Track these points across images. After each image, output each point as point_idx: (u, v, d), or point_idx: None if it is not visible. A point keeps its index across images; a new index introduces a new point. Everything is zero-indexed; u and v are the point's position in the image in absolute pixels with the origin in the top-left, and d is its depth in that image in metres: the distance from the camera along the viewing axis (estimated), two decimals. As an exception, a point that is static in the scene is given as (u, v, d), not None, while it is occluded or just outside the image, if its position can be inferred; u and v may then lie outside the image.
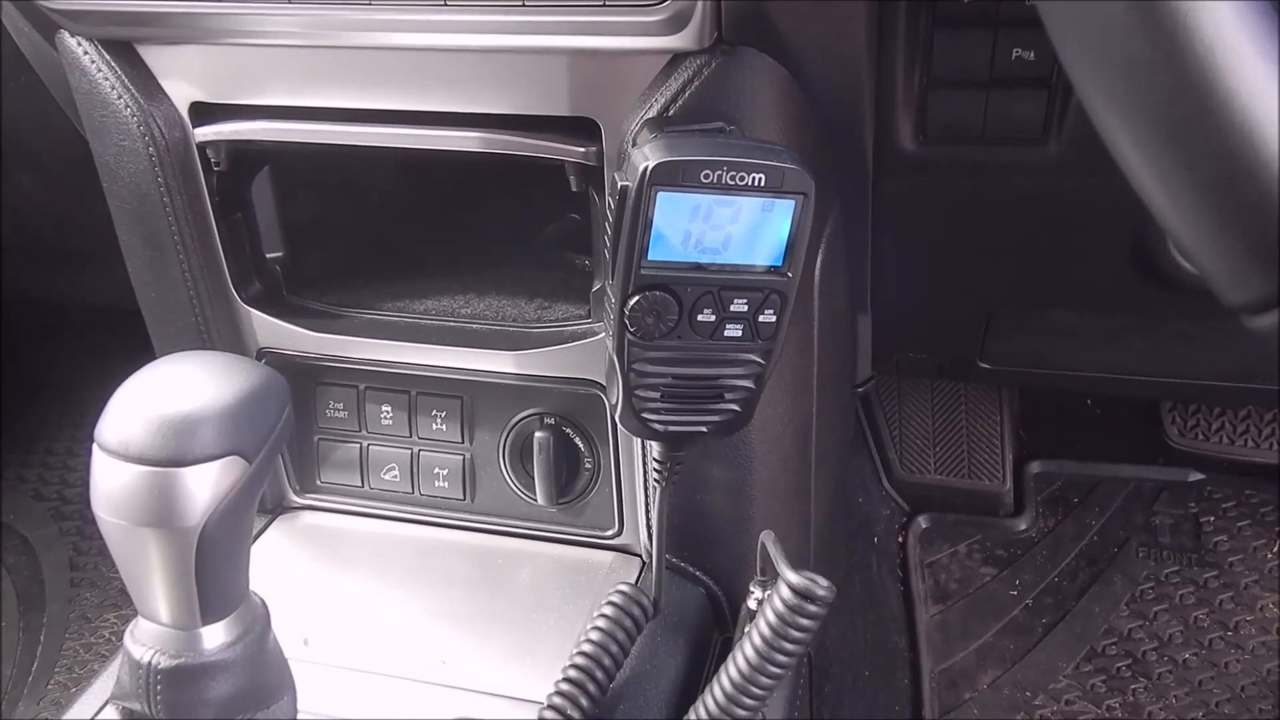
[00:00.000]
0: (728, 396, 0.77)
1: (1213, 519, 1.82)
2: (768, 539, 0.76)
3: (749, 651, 0.73)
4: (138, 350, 1.00)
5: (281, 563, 1.04)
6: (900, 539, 1.87)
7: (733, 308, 0.72)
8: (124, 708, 0.70)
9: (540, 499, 1.01)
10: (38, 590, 1.92)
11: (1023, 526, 1.87)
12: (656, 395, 0.76)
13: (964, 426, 1.92)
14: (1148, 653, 1.68)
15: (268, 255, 1.00)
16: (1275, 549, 1.77)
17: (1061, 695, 1.65)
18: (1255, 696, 1.61)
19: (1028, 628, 1.74)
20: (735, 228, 0.69)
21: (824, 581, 0.71)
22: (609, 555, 1.02)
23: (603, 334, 0.84)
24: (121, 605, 1.88)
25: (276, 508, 1.10)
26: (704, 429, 0.79)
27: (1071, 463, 1.93)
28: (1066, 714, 1.63)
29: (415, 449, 1.04)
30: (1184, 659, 1.67)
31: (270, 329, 0.99)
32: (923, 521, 1.89)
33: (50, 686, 1.78)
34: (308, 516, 1.10)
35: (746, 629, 0.75)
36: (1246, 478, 1.85)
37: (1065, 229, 1.02)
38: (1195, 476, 1.87)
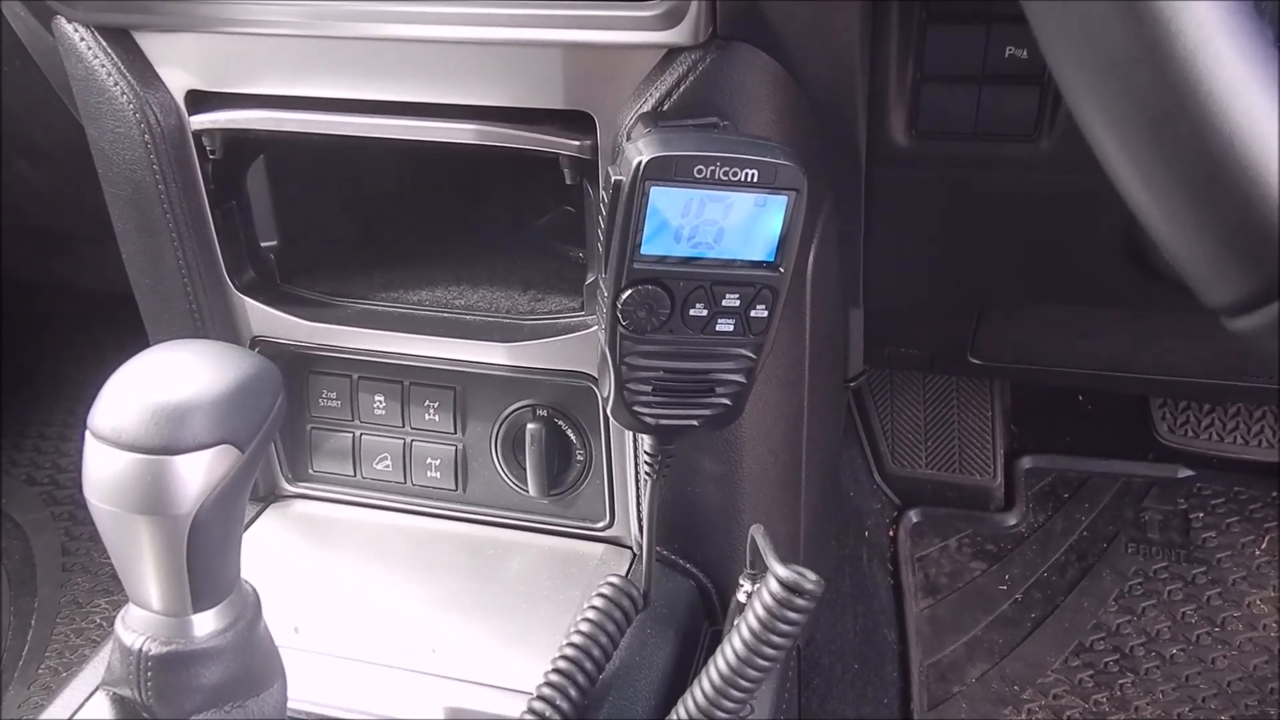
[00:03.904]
0: (719, 390, 0.77)
1: (1202, 515, 1.83)
2: (757, 532, 0.77)
3: (737, 644, 0.74)
4: (131, 335, 1.00)
5: (273, 551, 1.04)
6: (891, 533, 1.88)
7: (724, 302, 0.72)
8: (114, 693, 0.70)
9: (532, 490, 1.01)
10: (29, 575, 1.92)
11: (1013, 521, 1.88)
12: (648, 389, 0.76)
13: (955, 421, 1.93)
14: (1135, 648, 1.69)
15: (262, 244, 1.00)
16: (1263, 545, 1.78)
17: (1049, 689, 1.66)
18: (1242, 692, 1.63)
19: (1017, 622, 1.75)
20: (728, 223, 0.69)
21: (812, 575, 0.71)
22: (599, 547, 1.03)
23: (595, 327, 0.84)
24: (113, 591, 1.89)
25: (269, 496, 1.10)
26: (695, 422, 0.79)
27: (1062, 458, 1.94)
28: (1054, 708, 1.64)
29: (408, 439, 1.05)
30: (1171, 654, 1.68)
31: (264, 317, 0.99)
32: (913, 515, 1.90)
33: (41, 671, 1.78)
34: (300, 505, 1.10)
35: (735, 621, 0.75)
36: (1235, 474, 1.86)
37: (1057, 223, 1.02)
38: (1185, 473, 1.88)
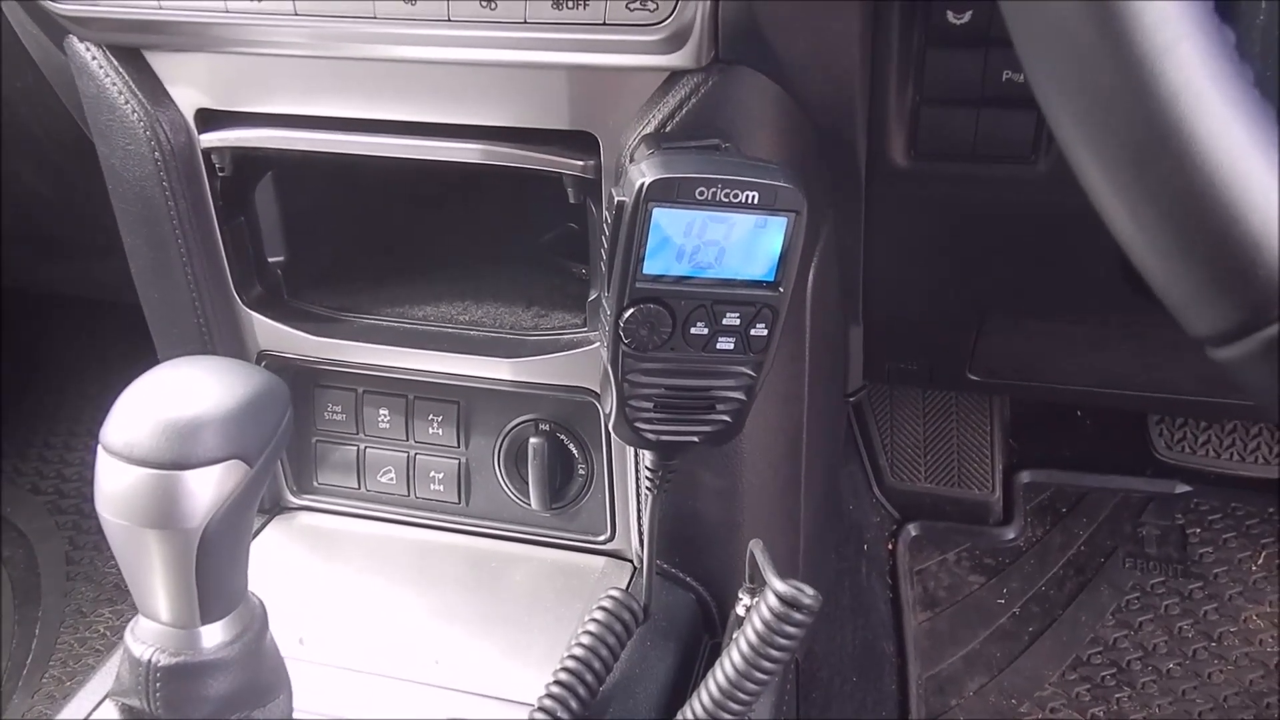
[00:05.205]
0: (719, 407, 0.78)
1: (1199, 530, 1.84)
2: (756, 547, 0.77)
3: (736, 658, 0.75)
4: (135, 344, 1.01)
5: (277, 563, 1.05)
6: (890, 546, 1.89)
7: (725, 321, 0.73)
8: (123, 704, 0.71)
9: (534, 504, 1.02)
10: (34, 583, 1.93)
11: (1011, 535, 1.88)
12: (650, 405, 0.77)
13: (955, 435, 1.94)
14: (1132, 662, 1.69)
15: (269, 259, 1.01)
16: (1260, 561, 1.78)
17: (1047, 703, 1.66)
18: (1238, 707, 1.63)
19: (1015, 636, 1.75)
20: (729, 243, 0.70)
21: (810, 590, 0.72)
22: (601, 560, 1.04)
23: (598, 343, 0.85)
24: (116, 600, 1.89)
25: (274, 508, 1.11)
26: (696, 439, 0.80)
27: (1060, 473, 1.94)
28: (1051, 722, 1.64)
29: (412, 452, 1.05)
30: (1168, 669, 1.68)
31: (271, 332, 1.00)
32: (912, 529, 1.90)
33: (45, 680, 1.79)
34: (304, 517, 1.11)
35: (734, 635, 0.76)
36: (1232, 490, 1.86)
37: (1054, 241, 1.03)
38: (1182, 488, 1.88)
